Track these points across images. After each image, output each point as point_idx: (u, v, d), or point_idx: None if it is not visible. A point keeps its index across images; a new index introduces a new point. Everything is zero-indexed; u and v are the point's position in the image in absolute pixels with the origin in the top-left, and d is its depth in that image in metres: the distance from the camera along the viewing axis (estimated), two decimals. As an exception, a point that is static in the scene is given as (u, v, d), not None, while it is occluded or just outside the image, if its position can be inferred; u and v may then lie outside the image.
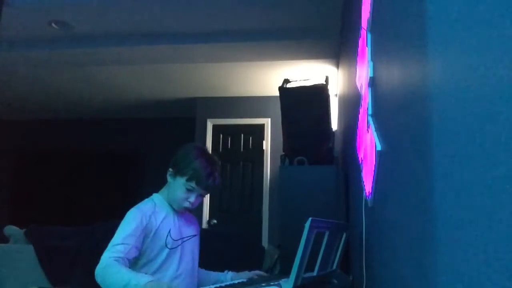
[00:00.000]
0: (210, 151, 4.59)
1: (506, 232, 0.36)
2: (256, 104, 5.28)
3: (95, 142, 6.33)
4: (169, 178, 1.74)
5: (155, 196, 1.77)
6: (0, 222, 3.43)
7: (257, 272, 1.89)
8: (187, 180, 1.68)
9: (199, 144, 1.91)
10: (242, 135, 5.30)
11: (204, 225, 4.96)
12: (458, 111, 0.50)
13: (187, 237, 1.74)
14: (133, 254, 1.56)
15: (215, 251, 2.66)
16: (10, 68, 4.51)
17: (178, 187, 1.70)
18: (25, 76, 4.85)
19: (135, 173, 6.08)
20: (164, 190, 1.78)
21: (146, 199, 1.75)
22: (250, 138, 5.29)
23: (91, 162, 6.29)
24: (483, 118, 0.42)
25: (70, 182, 6.26)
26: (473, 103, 0.45)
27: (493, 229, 0.39)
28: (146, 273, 1.60)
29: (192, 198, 1.70)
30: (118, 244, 1.54)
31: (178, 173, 1.70)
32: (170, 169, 1.73)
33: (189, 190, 1.69)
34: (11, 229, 3.12)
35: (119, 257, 1.51)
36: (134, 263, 1.61)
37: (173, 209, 1.74)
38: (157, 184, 1.81)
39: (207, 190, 1.74)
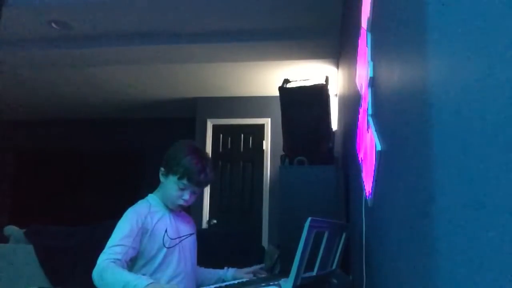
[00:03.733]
0: (209, 150, 4.58)
1: (506, 233, 0.36)
2: (256, 104, 5.28)
3: (95, 142, 6.34)
4: (161, 178, 1.74)
5: (150, 197, 1.77)
6: (0, 222, 3.43)
7: (258, 267, 1.89)
8: (179, 178, 1.68)
9: (189, 140, 1.89)
10: (242, 135, 5.30)
11: (204, 225, 4.96)
12: (458, 111, 0.50)
13: (185, 235, 1.75)
14: (130, 255, 1.56)
15: (215, 251, 2.66)
16: (10, 68, 4.51)
17: (171, 185, 1.70)
18: (25, 76, 4.85)
19: (135, 173, 6.08)
20: (158, 190, 1.78)
21: (141, 200, 1.76)
22: (250, 138, 5.29)
23: (91, 162, 6.30)
24: (484, 118, 0.42)
25: (70, 182, 6.27)
26: (473, 103, 0.45)
27: (494, 229, 0.39)
28: (145, 274, 1.60)
29: (186, 196, 1.71)
30: (115, 246, 1.53)
31: (169, 172, 1.70)
32: (162, 169, 1.73)
33: (182, 188, 1.69)
34: (11, 229, 3.12)
35: (117, 259, 1.50)
36: (132, 264, 1.61)
37: (169, 209, 1.74)
38: (157, 184, 1.81)
39: (199, 186, 1.74)
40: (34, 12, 3.48)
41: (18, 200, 6.21)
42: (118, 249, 1.53)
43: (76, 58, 4.27)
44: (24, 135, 6.46)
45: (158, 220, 1.67)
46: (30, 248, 2.97)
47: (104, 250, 1.54)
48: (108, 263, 1.49)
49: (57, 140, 6.40)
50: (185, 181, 1.68)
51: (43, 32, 3.80)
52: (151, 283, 1.40)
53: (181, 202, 1.72)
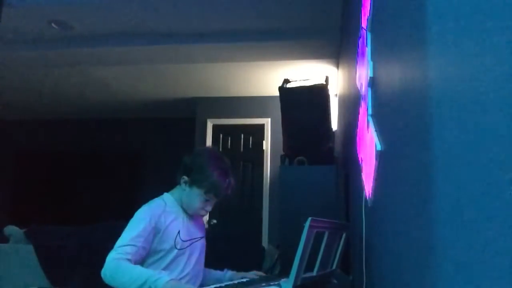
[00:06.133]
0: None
1: (506, 233, 0.36)
2: (256, 104, 5.28)
3: (95, 142, 6.34)
4: (183, 185, 1.73)
5: (166, 196, 1.76)
6: (0, 222, 3.43)
7: (255, 272, 1.89)
8: (205, 193, 1.70)
9: (212, 148, 1.88)
10: (242, 135, 5.30)
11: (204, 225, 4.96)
12: (458, 111, 0.50)
13: (196, 238, 1.75)
14: (140, 255, 1.57)
15: (215, 251, 2.66)
16: (10, 68, 4.51)
17: (195, 197, 1.71)
18: (25, 76, 4.85)
19: (135, 173, 6.09)
20: (175, 192, 1.77)
21: (156, 198, 1.75)
22: (250, 138, 5.29)
23: (91, 162, 6.30)
24: (483, 118, 0.42)
25: (70, 182, 6.27)
26: (473, 103, 0.45)
27: (494, 229, 0.39)
28: None
29: (209, 207, 1.76)
30: (126, 245, 1.53)
31: (194, 183, 1.70)
32: (185, 177, 1.72)
33: (206, 200, 1.73)
34: (11, 229, 3.12)
35: (127, 259, 1.51)
36: (142, 262, 1.61)
37: (183, 211, 1.75)
38: (157, 184, 1.81)
39: (224, 197, 1.79)
40: (34, 12, 3.48)
41: (18, 200, 6.21)
42: (128, 249, 1.53)
43: (76, 58, 4.27)
44: (24, 135, 6.46)
45: (172, 221, 1.67)
46: (30, 248, 2.96)
47: (114, 248, 1.54)
48: (119, 261, 1.49)
49: (57, 140, 6.40)
50: (211, 195, 1.71)
51: (43, 32, 3.80)
52: (172, 279, 1.44)
53: (203, 213, 1.77)
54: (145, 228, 1.58)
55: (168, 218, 1.66)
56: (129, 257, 1.51)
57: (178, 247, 1.65)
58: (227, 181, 1.72)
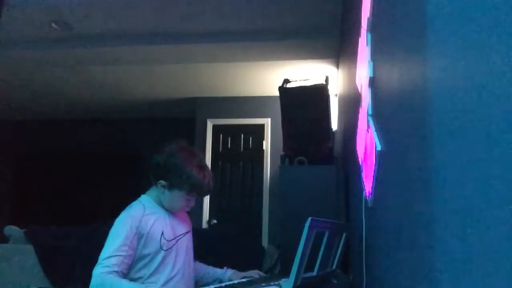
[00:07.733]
0: (209, 150, 4.57)
1: (506, 232, 0.36)
2: (256, 104, 5.28)
3: (95, 142, 6.33)
4: (161, 189, 1.70)
5: (143, 198, 1.74)
6: (0, 222, 3.43)
7: (256, 271, 1.89)
8: (187, 193, 1.68)
9: (182, 145, 1.77)
10: (242, 135, 5.30)
11: (204, 225, 4.96)
12: (458, 110, 0.50)
13: (181, 235, 1.74)
14: (126, 264, 1.55)
15: (215, 251, 2.66)
16: (10, 68, 4.51)
17: (177, 199, 1.70)
18: (25, 76, 4.85)
19: (135, 173, 6.08)
20: (152, 192, 1.75)
21: (134, 202, 1.73)
22: (250, 138, 5.28)
23: (92, 162, 6.30)
24: (483, 117, 0.42)
25: (70, 182, 6.27)
26: (473, 103, 0.45)
27: (493, 228, 0.39)
28: (143, 276, 1.60)
29: (193, 203, 1.75)
30: (110, 257, 1.51)
31: (174, 186, 1.68)
32: (162, 181, 1.68)
33: (188, 199, 1.72)
34: (11, 229, 3.11)
35: (113, 271, 1.49)
36: (131, 267, 1.60)
37: (164, 210, 1.73)
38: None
39: (207, 194, 1.80)
40: (34, 12, 3.47)
41: (18, 200, 6.21)
42: (113, 260, 1.51)
43: (76, 58, 4.27)
44: (24, 135, 6.46)
45: (153, 223, 1.65)
46: (30, 248, 2.96)
47: (99, 262, 1.51)
48: (105, 275, 1.48)
49: (57, 140, 6.40)
50: (194, 194, 1.71)
51: (43, 32, 3.80)
52: None
53: (187, 209, 1.76)
54: (127, 236, 1.56)
55: (149, 221, 1.64)
56: (115, 268, 1.49)
57: (164, 248, 1.63)
58: (206, 177, 1.70)
